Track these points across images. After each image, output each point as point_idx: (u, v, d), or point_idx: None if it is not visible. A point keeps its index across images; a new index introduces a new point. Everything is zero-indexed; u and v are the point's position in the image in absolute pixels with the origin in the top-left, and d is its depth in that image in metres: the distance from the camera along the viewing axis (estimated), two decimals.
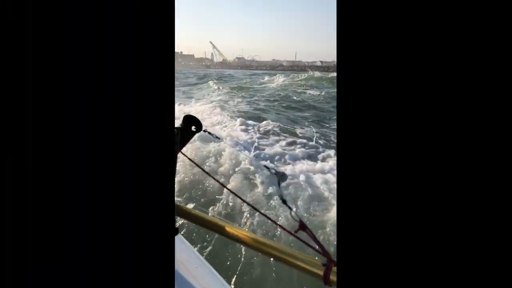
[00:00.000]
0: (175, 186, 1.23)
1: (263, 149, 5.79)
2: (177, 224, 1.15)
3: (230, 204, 3.43)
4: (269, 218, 0.83)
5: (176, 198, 1.14)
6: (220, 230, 0.83)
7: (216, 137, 1.52)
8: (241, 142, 6.05)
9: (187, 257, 1.21)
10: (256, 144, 6.06)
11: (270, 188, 3.79)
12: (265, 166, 1.43)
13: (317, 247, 0.69)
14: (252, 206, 1.02)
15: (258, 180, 4.10)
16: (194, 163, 1.23)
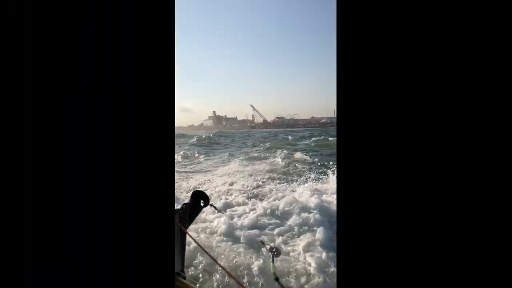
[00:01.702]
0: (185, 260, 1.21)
1: None
2: None
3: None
4: None
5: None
6: None
7: (220, 211, 1.61)
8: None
9: None
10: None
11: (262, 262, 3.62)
12: (261, 242, 1.46)
13: None
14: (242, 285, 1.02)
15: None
16: (197, 243, 1.22)
